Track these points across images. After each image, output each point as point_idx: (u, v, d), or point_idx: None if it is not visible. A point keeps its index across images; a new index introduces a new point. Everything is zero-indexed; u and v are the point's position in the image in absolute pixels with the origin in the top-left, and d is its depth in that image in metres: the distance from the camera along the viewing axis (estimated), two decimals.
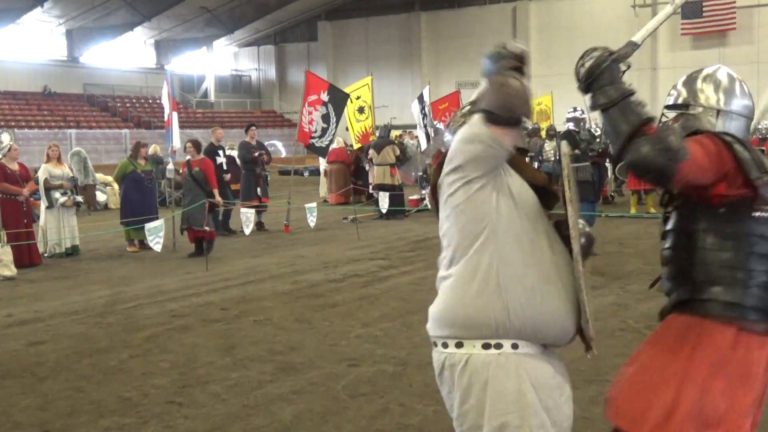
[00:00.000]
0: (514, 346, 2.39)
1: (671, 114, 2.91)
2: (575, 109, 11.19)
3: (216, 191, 11.39)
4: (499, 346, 2.38)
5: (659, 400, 2.53)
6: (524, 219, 2.46)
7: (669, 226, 2.78)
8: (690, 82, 2.88)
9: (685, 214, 2.70)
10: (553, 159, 16.24)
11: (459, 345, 2.43)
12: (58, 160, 11.49)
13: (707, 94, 2.81)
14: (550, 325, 2.42)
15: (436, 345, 2.52)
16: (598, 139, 12.09)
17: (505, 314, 2.36)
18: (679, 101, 2.87)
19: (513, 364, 2.37)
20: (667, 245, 2.78)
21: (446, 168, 2.49)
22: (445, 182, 2.49)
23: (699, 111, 2.80)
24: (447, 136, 2.62)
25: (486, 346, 2.39)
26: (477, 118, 2.40)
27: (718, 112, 2.79)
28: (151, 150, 18.38)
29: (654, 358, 2.64)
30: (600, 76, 2.46)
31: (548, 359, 2.46)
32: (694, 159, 2.40)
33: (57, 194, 11.14)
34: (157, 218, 11.22)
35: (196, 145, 11.66)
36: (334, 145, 15.75)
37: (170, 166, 13.03)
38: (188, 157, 11.51)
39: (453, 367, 2.43)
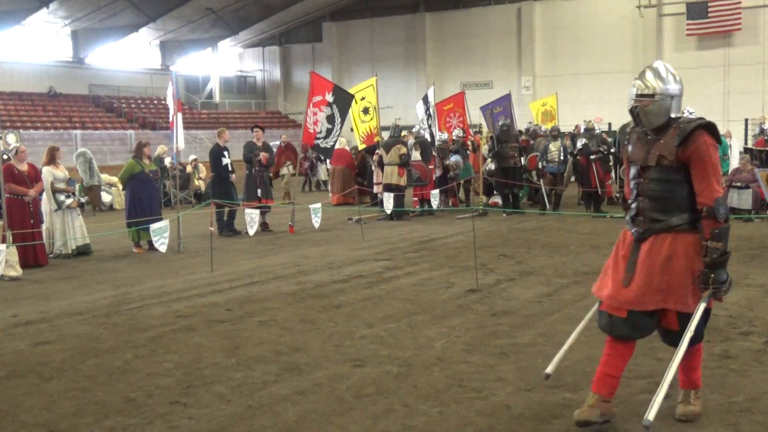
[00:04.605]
0: None
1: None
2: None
3: None
4: None
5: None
6: None
7: None
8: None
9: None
10: (557, 159, 16.24)
11: None
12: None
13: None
14: None
15: None
16: (605, 145, 15.78)
17: None
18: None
19: None
20: None
21: None
22: None
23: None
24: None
25: None
26: None
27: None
28: (159, 150, 18.48)
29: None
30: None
31: None
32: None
33: (62, 197, 11.21)
34: (162, 218, 11.26)
35: None
36: (336, 146, 15.76)
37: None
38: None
39: None
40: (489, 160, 16.39)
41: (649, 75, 4.22)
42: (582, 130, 17.59)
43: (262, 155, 13.53)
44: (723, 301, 4.23)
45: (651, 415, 3.84)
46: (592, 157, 15.34)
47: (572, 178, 16.60)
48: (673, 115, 4.20)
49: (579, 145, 15.59)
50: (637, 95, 4.21)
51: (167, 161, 16.88)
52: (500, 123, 16.15)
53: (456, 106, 19.28)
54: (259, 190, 13.52)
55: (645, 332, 4.27)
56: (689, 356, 4.24)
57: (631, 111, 4.24)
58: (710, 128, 4.13)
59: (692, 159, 4.06)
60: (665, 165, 4.13)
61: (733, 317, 6.56)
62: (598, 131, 16.84)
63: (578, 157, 15.79)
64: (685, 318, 4.14)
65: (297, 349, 6.01)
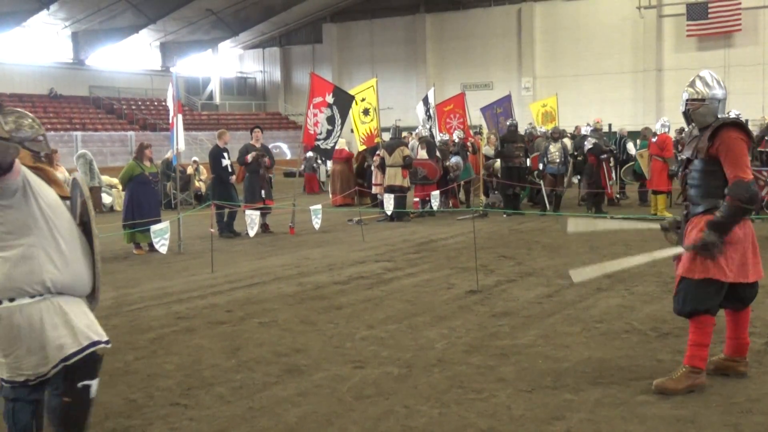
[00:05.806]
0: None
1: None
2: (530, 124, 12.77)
3: None
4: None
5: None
6: (58, 217, 3.79)
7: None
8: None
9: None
10: (558, 161, 16.24)
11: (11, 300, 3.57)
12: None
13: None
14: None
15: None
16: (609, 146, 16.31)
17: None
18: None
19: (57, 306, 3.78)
20: None
21: None
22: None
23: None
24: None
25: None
26: None
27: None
28: (167, 154, 18.51)
29: None
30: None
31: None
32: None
33: None
34: (160, 220, 11.26)
35: None
36: (336, 147, 15.75)
37: None
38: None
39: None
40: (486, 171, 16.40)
41: (698, 83, 4.97)
42: (582, 132, 17.61)
43: (264, 159, 13.56)
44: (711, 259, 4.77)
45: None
46: (602, 156, 15.38)
47: (574, 180, 16.63)
48: (719, 116, 4.91)
49: (588, 144, 15.57)
50: (689, 100, 4.96)
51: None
52: (508, 123, 16.21)
53: (456, 107, 19.27)
54: (262, 191, 13.52)
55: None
56: (692, 329, 4.85)
57: (685, 113, 5.00)
58: (735, 124, 4.80)
59: (720, 152, 4.74)
60: (701, 158, 4.87)
61: None
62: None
63: (579, 158, 15.78)
64: (682, 281, 4.82)
65: (297, 351, 6.01)
